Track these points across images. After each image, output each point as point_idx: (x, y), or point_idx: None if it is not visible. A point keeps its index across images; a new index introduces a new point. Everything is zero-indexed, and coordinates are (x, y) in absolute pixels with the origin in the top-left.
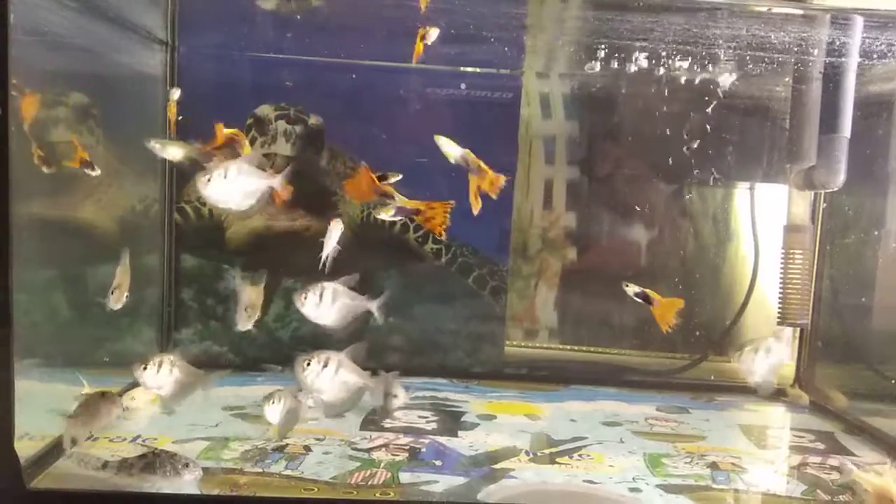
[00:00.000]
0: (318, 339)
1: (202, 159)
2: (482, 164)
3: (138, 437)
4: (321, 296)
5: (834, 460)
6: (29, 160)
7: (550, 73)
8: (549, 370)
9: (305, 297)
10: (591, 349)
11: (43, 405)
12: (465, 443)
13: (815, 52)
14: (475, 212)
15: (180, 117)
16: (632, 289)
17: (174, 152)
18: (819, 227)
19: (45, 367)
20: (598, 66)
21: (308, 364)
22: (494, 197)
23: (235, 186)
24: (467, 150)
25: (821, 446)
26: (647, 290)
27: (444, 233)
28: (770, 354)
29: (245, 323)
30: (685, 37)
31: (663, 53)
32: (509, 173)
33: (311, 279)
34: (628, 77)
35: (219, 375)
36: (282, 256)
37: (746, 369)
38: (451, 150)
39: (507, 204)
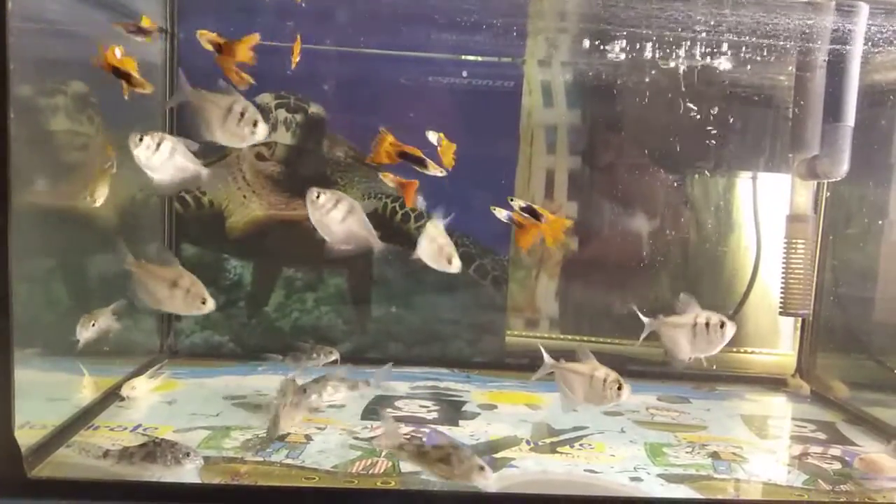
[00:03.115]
0: (319, 329)
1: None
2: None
3: (139, 426)
4: (158, 145)
5: (836, 450)
6: (28, 150)
7: (552, 62)
8: None
9: (140, 140)
10: (592, 339)
11: (43, 394)
12: (466, 432)
13: (820, 39)
14: (242, 86)
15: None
16: (517, 203)
17: None
18: (822, 216)
19: (45, 357)
20: (599, 54)
21: (140, 140)
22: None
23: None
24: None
25: (822, 436)
26: (534, 205)
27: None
28: None
29: None
30: (688, 24)
31: (666, 41)
32: (510, 164)
33: (311, 269)
34: (630, 65)
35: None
36: (282, 245)
37: None
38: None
39: (508, 193)
